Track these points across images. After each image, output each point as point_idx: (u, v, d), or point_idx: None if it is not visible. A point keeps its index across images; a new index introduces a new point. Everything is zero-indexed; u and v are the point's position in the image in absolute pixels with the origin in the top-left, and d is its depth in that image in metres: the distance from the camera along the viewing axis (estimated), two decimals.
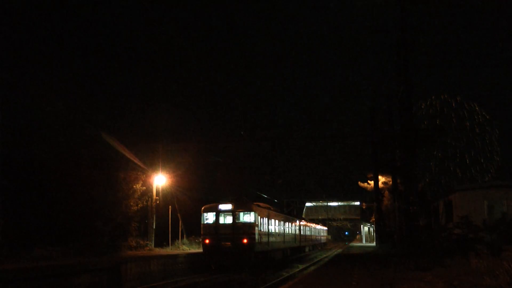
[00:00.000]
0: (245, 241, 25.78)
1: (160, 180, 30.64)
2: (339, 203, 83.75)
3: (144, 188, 29.26)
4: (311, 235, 54.59)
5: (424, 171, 34.14)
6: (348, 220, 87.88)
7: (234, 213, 26.38)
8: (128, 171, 27.85)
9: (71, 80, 26.36)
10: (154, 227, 29.97)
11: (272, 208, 33.53)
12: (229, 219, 26.44)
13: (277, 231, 32.92)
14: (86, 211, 24.50)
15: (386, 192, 44.80)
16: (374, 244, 56.78)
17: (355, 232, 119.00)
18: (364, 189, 56.08)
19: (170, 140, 33.49)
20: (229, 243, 25.85)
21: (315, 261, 34.62)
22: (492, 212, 24.77)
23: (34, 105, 24.65)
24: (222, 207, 26.66)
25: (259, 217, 27.46)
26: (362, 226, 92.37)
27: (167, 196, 32.27)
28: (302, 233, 45.97)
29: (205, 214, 26.95)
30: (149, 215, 30.13)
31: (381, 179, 45.55)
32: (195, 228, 32.68)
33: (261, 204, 31.51)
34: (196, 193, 37.13)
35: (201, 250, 27.40)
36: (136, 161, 28.68)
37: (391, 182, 39.48)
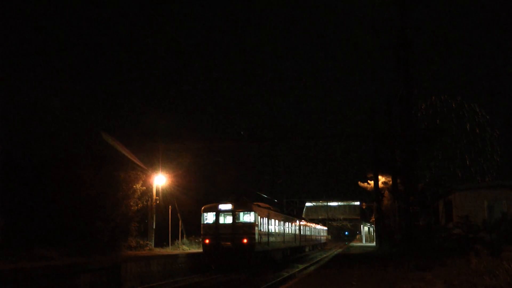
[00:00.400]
0: (245, 241, 25.79)
1: (160, 180, 30.64)
2: (339, 203, 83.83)
3: (144, 188, 29.25)
4: (311, 235, 54.59)
5: (424, 171, 34.10)
6: (348, 220, 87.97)
7: (234, 213, 26.38)
8: (128, 171, 27.84)
9: (70, 79, 26.33)
10: (154, 227, 29.97)
11: (272, 208, 33.54)
12: (229, 219, 26.45)
13: (277, 231, 32.93)
14: (86, 211, 24.49)
15: (386, 192, 44.79)
16: (374, 244, 56.81)
17: (355, 232, 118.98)
18: (364, 189, 56.09)
19: (170, 140, 33.51)
20: (229, 243, 25.86)
21: (315, 261, 34.62)
22: (492, 212, 24.79)
23: (34, 105, 24.64)
24: (222, 207, 26.68)
25: (259, 217, 27.47)
26: (362, 226, 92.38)
27: (167, 196, 32.27)
28: (302, 233, 45.97)
29: (205, 214, 26.96)
30: (149, 215, 30.13)
31: (381, 179, 45.57)
32: (195, 228, 32.69)
33: (261, 204, 31.52)
34: (196, 193, 37.16)
35: (201, 250, 27.40)
36: (136, 161, 28.68)
37: (391, 182, 39.49)
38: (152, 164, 30.62)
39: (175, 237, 32.47)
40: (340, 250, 56.67)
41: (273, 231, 31.48)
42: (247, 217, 26.47)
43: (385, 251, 33.94)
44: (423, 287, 12.02)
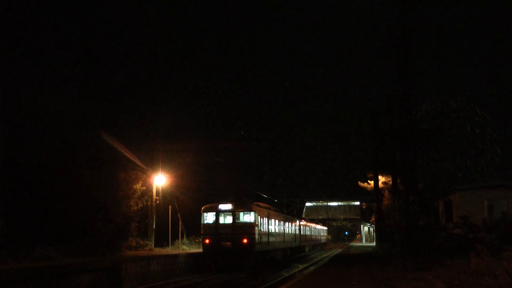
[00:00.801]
0: (245, 241, 25.80)
1: (160, 180, 30.64)
2: (339, 203, 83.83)
3: (144, 188, 29.25)
4: (311, 235, 54.61)
5: (424, 171, 34.08)
6: (348, 220, 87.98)
7: (234, 213, 26.39)
8: (128, 171, 27.85)
9: (71, 80, 26.38)
10: (154, 227, 29.96)
11: (272, 208, 33.55)
12: (229, 219, 26.46)
13: (277, 231, 32.94)
14: (86, 211, 24.50)
15: (386, 192, 44.74)
16: (374, 244, 56.75)
17: (355, 232, 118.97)
18: (364, 189, 55.98)
19: (170, 140, 33.50)
20: (229, 243, 25.87)
21: (315, 261, 34.64)
22: (492, 212, 24.77)
23: (34, 105, 24.65)
24: (222, 207, 26.69)
25: (259, 217, 27.47)
26: (362, 226, 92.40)
27: (167, 196, 32.27)
28: (302, 233, 45.99)
29: (205, 214, 26.97)
30: (149, 215, 30.12)
31: (381, 179, 45.51)
32: (195, 228, 32.68)
33: (261, 204, 31.53)
34: (196, 193, 37.15)
35: (201, 250, 27.41)
36: (136, 161, 28.68)
37: (391, 182, 39.46)
38: (152, 164, 30.61)
39: (175, 237, 32.47)
40: (340, 250, 56.68)
41: (273, 231, 31.48)
42: (247, 217, 26.48)
43: (385, 251, 33.91)
44: (423, 287, 12.01)
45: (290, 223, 39.01)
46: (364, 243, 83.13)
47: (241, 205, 26.80)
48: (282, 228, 35.24)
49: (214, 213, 26.64)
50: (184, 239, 34.21)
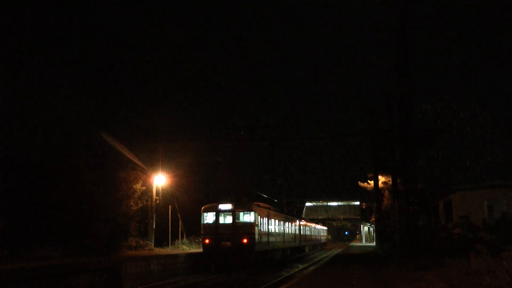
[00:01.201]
0: (245, 241, 25.80)
1: (160, 180, 30.64)
2: (339, 203, 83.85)
3: (144, 188, 29.25)
4: (311, 235, 54.63)
5: (424, 171, 34.07)
6: (348, 220, 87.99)
7: (234, 213, 26.39)
8: (128, 171, 27.84)
9: (70, 79, 26.33)
10: (154, 227, 29.96)
11: (272, 208, 33.55)
12: (229, 219, 26.46)
13: (277, 231, 32.94)
14: (86, 211, 24.49)
15: (386, 192, 44.75)
16: (374, 244, 56.75)
17: (355, 232, 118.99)
18: (364, 189, 56.00)
19: (170, 140, 33.49)
20: (229, 243, 25.87)
21: (315, 261, 34.63)
22: (492, 212, 24.80)
23: (34, 105, 24.63)
24: (222, 207, 26.69)
25: (259, 217, 27.47)
26: (362, 226, 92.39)
27: (167, 196, 32.27)
28: (302, 233, 46.00)
29: (205, 214, 26.97)
30: (149, 215, 30.12)
31: (381, 179, 45.51)
32: (195, 228, 32.68)
33: (261, 204, 31.53)
34: (196, 193, 37.14)
35: (201, 250, 27.41)
36: (136, 161, 28.68)
37: (391, 182, 39.45)
38: (152, 164, 30.61)
39: (175, 237, 32.47)
40: (340, 250, 56.69)
41: (273, 231, 31.48)
42: (247, 217, 26.48)
43: (385, 251, 33.92)
44: (423, 287, 12.02)
45: (290, 223, 39.01)
46: (364, 243, 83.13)
47: (241, 205, 26.80)
48: (282, 228, 35.24)
49: (214, 213, 26.65)
50: (184, 239, 34.21)
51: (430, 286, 11.98)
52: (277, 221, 33.09)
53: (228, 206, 26.59)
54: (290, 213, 53.87)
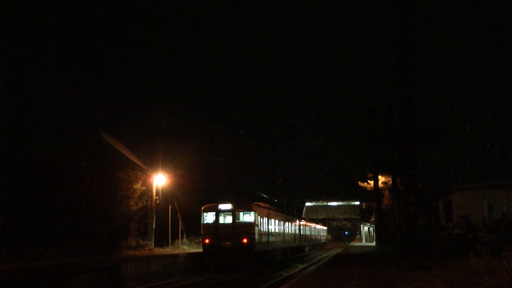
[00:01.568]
0: (245, 241, 25.80)
1: (160, 180, 30.65)
2: (339, 203, 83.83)
3: (144, 188, 29.26)
4: (311, 235, 54.63)
5: (424, 171, 34.09)
6: (348, 220, 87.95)
7: (234, 212, 26.39)
8: (128, 171, 27.84)
9: (70, 79, 26.31)
10: (154, 227, 29.97)
11: (272, 208, 33.55)
12: (229, 219, 26.46)
13: (277, 230, 32.94)
14: (86, 211, 24.50)
15: (386, 192, 44.77)
16: (374, 244, 56.77)
17: (355, 232, 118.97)
18: (364, 189, 56.01)
19: (170, 140, 33.49)
20: (229, 243, 25.88)
21: (315, 261, 34.64)
22: (492, 212, 24.78)
23: (34, 105, 24.63)
24: (222, 207, 26.69)
25: (259, 217, 27.47)
26: (362, 226, 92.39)
27: (167, 196, 32.27)
28: (302, 233, 46.00)
29: (205, 214, 26.97)
30: (149, 215, 30.13)
31: (381, 179, 45.51)
32: (195, 228, 32.69)
33: (261, 204, 31.53)
34: (196, 193, 37.12)
35: (201, 250, 27.42)
36: (136, 161, 28.67)
37: (391, 182, 39.45)
38: (152, 164, 30.61)
39: (175, 237, 32.48)
40: (340, 250, 56.69)
41: (273, 231, 31.48)
42: (247, 217, 26.48)
43: (385, 251, 33.95)
44: (423, 287, 12.02)
45: (290, 223, 39.01)
46: (364, 243, 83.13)
47: (241, 205, 26.80)
48: (282, 228, 35.24)
49: (214, 213, 26.65)
50: (184, 239, 34.22)
51: (430, 286, 11.98)
52: (277, 221, 33.09)
53: (228, 206, 26.59)
54: (290, 213, 53.87)
